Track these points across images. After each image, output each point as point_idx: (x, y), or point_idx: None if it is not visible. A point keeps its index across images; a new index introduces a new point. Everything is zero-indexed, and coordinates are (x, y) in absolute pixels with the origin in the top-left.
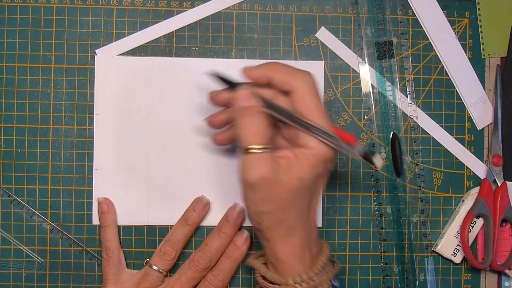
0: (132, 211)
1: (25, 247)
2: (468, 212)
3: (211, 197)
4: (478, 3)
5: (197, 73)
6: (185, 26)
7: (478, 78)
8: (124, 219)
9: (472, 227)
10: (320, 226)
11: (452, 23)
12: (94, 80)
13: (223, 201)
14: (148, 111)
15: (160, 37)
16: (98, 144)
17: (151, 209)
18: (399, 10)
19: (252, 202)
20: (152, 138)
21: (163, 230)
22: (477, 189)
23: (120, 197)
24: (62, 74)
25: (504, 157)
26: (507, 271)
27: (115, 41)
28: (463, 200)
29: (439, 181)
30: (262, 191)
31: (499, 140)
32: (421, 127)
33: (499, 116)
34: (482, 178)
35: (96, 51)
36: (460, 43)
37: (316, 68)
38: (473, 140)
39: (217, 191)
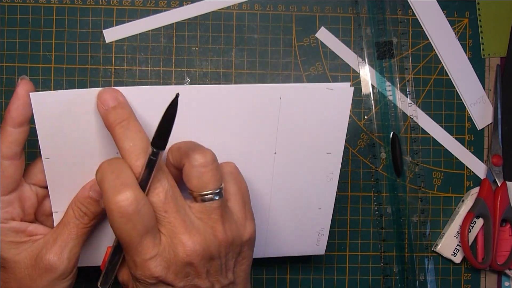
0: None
1: None
2: (468, 212)
3: None
4: (478, 3)
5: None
6: (185, 27)
7: (478, 78)
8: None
9: (472, 227)
10: None
11: (452, 23)
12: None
13: None
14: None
15: (160, 37)
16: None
17: None
18: (399, 10)
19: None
20: None
21: None
22: (477, 189)
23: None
24: (62, 74)
25: (504, 157)
26: (507, 271)
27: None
28: (463, 200)
29: (439, 181)
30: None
31: (499, 140)
32: (421, 127)
33: (499, 116)
34: (482, 178)
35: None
36: (460, 43)
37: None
38: (473, 140)
39: None
